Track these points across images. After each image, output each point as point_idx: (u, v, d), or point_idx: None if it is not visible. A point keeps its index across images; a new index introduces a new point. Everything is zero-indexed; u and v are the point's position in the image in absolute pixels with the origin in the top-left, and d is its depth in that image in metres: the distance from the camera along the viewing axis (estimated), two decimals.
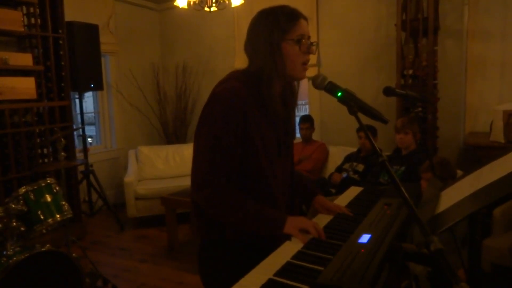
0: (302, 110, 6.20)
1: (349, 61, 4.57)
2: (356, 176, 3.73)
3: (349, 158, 3.98)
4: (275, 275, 0.93)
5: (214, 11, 3.84)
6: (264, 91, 1.26)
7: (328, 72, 4.69)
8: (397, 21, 3.68)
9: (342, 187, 3.54)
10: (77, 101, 4.42)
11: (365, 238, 1.08)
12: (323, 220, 1.30)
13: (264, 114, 1.28)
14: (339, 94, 1.18)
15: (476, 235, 1.06)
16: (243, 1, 3.76)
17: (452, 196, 1.17)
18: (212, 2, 3.66)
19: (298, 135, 4.92)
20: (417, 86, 3.71)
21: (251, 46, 1.31)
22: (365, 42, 4.44)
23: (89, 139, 5.36)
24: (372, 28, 4.38)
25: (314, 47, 1.29)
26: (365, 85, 4.41)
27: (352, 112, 1.14)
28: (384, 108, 4.15)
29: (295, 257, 1.03)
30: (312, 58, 4.69)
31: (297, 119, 4.78)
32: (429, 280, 0.71)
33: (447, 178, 1.29)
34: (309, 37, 1.28)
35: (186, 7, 3.72)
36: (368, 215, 1.28)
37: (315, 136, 4.61)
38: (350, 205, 1.46)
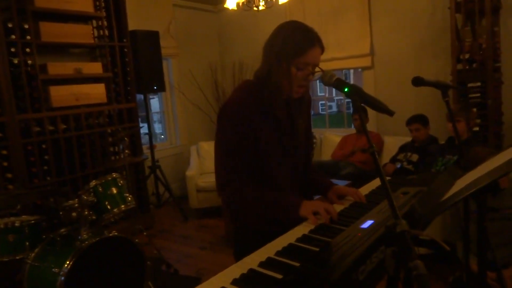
0: None
1: (404, 48, 4.43)
2: (410, 167, 3.65)
3: (403, 148, 3.90)
4: (275, 254, 1.05)
5: (268, 10, 3.96)
6: (267, 96, 1.39)
7: (382, 60, 4.63)
8: (451, 3, 3.51)
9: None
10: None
11: (367, 224, 1.15)
12: (336, 208, 1.39)
13: (267, 118, 1.40)
14: (346, 89, 1.25)
15: (483, 220, 1.08)
16: None
17: (460, 184, 1.19)
18: (259, 2, 3.79)
19: (352, 126, 4.90)
20: (476, 70, 3.51)
21: (266, 50, 1.42)
22: (419, 27, 4.28)
23: (162, 136, 5.86)
24: (427, 12, 4.21)
25: (311, 76, 1.38)
26: (421, 72, 4.19)
27: (355, 106, 1.20)
28: (439, 95, 3.97)
29: (299, 239, 1.14)
30: (365, 48, 4.65)
31: (351, 111, 4.76)
32: (392, 258, 0.79)
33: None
34: (314, 66, 1.38)
35: (236, 8, 3.90)
36: (380, 203, 1.33)
37: (371, 126, 4.56)
38: (370, 194, 1.52)
